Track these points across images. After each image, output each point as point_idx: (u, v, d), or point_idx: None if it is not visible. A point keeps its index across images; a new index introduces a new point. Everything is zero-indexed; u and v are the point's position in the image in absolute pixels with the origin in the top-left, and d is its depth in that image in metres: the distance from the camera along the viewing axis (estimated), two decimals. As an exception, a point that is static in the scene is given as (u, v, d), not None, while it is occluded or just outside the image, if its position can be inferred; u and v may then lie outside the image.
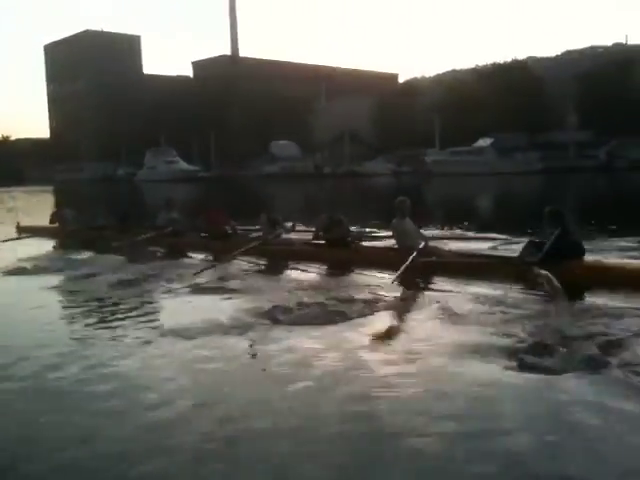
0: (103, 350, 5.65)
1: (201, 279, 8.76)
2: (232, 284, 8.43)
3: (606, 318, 5.74)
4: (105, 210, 16.81)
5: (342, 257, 9.98)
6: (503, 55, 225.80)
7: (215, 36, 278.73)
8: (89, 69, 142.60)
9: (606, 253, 8.94)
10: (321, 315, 6.42)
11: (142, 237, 12.36)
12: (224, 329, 6.04)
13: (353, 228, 11.32)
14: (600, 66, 78.35)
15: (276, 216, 11.74)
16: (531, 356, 4.80)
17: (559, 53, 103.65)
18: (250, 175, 75.49)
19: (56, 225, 15.76)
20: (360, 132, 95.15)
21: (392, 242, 9.92)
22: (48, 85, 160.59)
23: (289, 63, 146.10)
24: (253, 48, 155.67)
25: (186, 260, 11.07)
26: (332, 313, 6.46)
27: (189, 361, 5.25)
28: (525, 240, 8.63)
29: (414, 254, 8.47)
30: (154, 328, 6.29)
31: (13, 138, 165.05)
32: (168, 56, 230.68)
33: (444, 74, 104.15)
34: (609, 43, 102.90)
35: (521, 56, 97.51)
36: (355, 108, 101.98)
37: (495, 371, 4.63)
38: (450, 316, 6.20)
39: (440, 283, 8.02)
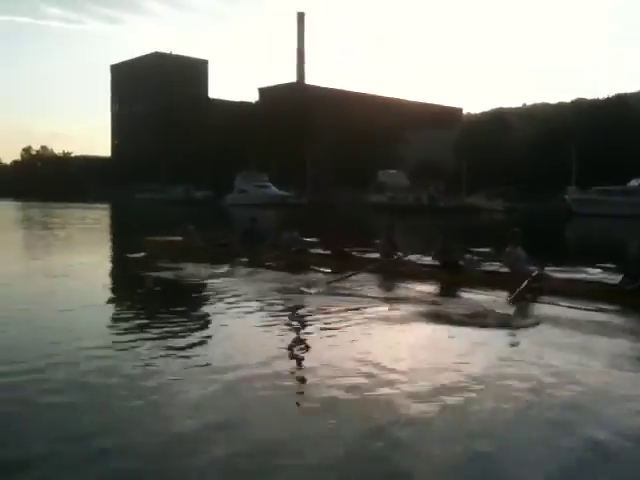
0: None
1: (330, 289, 10.39)
2: (357, 295, 9.98)
3: None
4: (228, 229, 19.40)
5: (456, 279, 11.20)
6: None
7: (278, 63, 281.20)
8: (156, 91, 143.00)
9: None
10: (442, 319, 8.04)
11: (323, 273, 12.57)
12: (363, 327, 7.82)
13: (467, 256, 12.23)
14: None
15: (395, 238, 13.33)
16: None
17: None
18: (349, 202, 73.34)
19: (180, 239, 17.02)
20: (445, 165, 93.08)
21: (498, 266, 11.42)
22: (113, 105, 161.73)
23: (355, 93, 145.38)
24: (316, 76, 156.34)
25: (313, 275, 12.29)
26: (452, 322, 7.91)
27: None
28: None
29: (529, 278, 9.95)
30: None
31: (73, 155, 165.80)
32: (230, 81, 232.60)
33: (534, 106, 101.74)
34: None
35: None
36: (441, 139, 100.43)
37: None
38: (557, 334, 7.38)
39: (549, 305, 9.24)
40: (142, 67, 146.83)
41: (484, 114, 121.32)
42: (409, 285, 10.99)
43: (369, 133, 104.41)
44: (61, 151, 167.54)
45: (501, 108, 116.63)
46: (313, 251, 14.44)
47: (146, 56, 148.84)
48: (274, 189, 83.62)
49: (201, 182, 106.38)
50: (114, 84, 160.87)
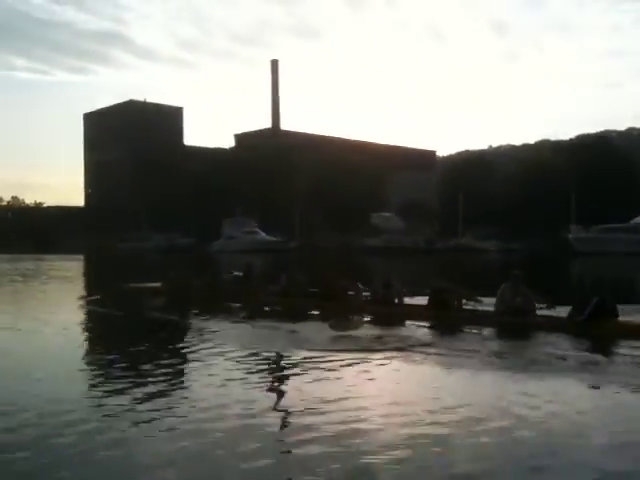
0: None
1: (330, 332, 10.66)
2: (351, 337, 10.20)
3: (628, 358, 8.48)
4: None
5: (447, 318, 11.84)
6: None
7: (251, 109, 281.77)
8: (131, 138, 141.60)
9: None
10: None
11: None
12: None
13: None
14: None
15: (390, 280, 13.46)
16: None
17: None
18: (341, 246, 72.68)
19: (159, 285, 17.89)
20: (430, 206, 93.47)
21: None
22: (86, 153, 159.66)
23: (331, 137, 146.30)
24: (289, 122, 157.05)
25: (307, 317, 12.84)
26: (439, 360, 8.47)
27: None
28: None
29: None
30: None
31: (45, 205, 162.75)
32: (201, 128, 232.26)
33: (514, 147, 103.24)
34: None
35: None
36: (422, 181, 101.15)
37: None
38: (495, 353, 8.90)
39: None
40: (116, 115, 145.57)
41: (460, 155, 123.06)
42: (401, 325, 11.68)
43: (350, 176, 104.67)
44: (33, 201, 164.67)
45: (482, 150, 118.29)
46: (310, 291, 14.75)
47: (120, 104, 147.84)
48: (263, 235, 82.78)
49: (183, 230, 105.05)
50: (87, 132, 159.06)
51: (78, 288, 25.14)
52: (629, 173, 79.76)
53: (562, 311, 11.07)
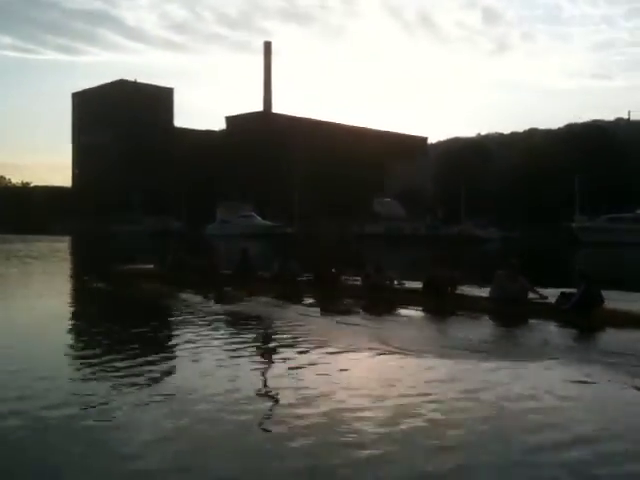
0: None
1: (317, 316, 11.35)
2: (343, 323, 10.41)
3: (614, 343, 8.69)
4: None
5: (441, 304, 11.90)
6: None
7: (242, 92, 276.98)
8: (121, 119, 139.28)
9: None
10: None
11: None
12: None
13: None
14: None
15: (381, 265, 13.69)
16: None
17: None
18: (340, 232, 71.88)
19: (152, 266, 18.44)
20: (426, 193, 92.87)
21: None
22: (74, 133, 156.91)
23: (325, 122, 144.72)
24: (282, 105, 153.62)
25: (300, 302, 12.85)
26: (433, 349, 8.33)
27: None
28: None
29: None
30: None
31: (32, 185, 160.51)
32: (193, 110, 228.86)
33: (507, 135, 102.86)
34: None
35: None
36: (418, 168, 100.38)
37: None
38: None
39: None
40: (106, 95, 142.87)
41: (452, 142, 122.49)
42: (395, 311, 11.73)
43: (347, 162, 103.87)
44: (19, 181, 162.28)
45: (500, 134, 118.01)
46: (302, 278, 14.80)
47: (110, 84, 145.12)
48: (259, 219, 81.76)
49: (175, 213, 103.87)
50: (76, 112, 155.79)
51: (74, 270, 25.75)
52: (626, 162, 79.53)
53: (552, 299, 11.18)
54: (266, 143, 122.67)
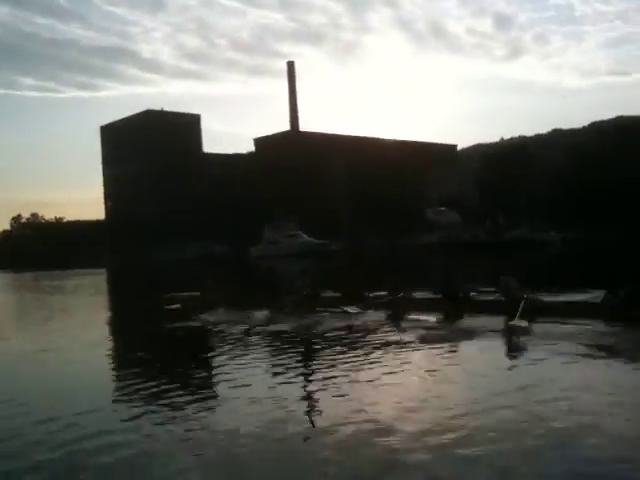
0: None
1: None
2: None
3: None
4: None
5: (456, 308, 12.71)
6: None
7: (265, 116, 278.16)
8: (150, 148, 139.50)
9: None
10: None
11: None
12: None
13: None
14: None
15: (397, 282, 14.80)
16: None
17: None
18: (394, 246, 70.65)
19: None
20: (469, 200, 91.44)
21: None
22: (104, 166, 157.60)
23: (355, 137, 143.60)
24: (305, 123, 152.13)
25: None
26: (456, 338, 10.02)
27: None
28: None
29: (522, 302, 11.11)
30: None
31: (65, 220, 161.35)
32: (216, 136, 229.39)
33: (541, 136, 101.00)
34: None
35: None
36: (453, 176, 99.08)
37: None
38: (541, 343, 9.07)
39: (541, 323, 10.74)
40: (133, 126, 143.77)
41: (496, 145, 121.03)
42: (414, 316, 12.50)
43: (388, 175, 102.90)
44: (52, 217, 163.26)
45: (523, 137, 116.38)
46: (325, 294, 15.47)
47: (137, 115, 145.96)
48: (305, 237, 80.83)
49: (217, 237, 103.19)
50: (105, 145, 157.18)
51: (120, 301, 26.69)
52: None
53: (598, 296, 11.50)
54: (301, 161, 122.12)
